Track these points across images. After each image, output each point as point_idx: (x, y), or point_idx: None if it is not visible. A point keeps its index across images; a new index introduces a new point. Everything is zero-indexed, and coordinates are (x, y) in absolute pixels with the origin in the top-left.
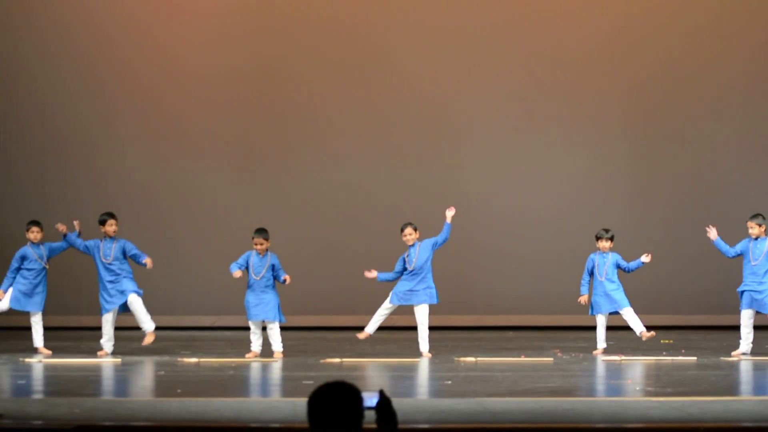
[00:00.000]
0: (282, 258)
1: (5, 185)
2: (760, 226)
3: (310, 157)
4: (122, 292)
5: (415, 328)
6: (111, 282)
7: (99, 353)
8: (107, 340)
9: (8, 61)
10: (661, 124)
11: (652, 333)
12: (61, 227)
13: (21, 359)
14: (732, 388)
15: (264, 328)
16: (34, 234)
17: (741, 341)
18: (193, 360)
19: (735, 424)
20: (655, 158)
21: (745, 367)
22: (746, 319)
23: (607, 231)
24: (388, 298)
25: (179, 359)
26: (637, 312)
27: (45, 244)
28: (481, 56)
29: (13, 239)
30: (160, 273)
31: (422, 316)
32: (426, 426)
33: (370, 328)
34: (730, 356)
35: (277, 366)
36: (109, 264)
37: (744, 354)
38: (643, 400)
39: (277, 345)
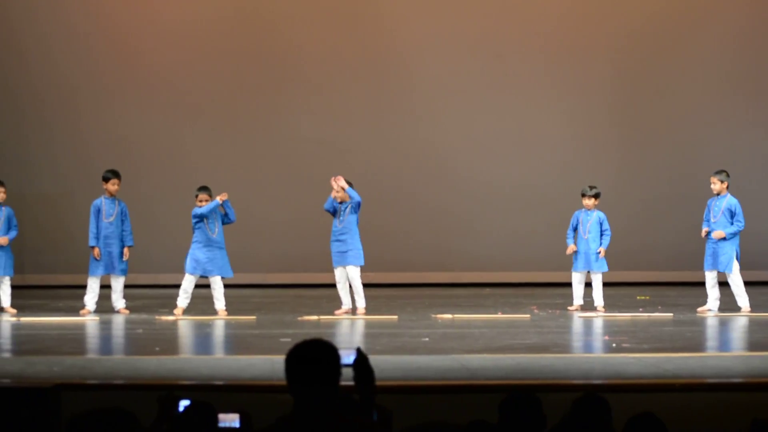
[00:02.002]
0: (260, 216)
1: None
2: (722, 182)
3: (287, 115)
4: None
5: (393, 285)
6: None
7: (82, 311)
8: (93, 298)
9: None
10: (641, 79)
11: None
12: None
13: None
14: (707, 344)
15: (207, 286)
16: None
17: (708, 299)
18: (170, 318)
19: (711, 380)
20: (635, 116)
21: (720, 323)
22: (710, 279)
23: (591, 188)
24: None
25: (157, 317)
26: (615, 268)
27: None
28: (457, 11)
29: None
30: (138, 230)
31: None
32: (403, 383)
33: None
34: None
35: (254, 323)
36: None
37: (710, 310)
38: (620, 356)
39: (221, 303)
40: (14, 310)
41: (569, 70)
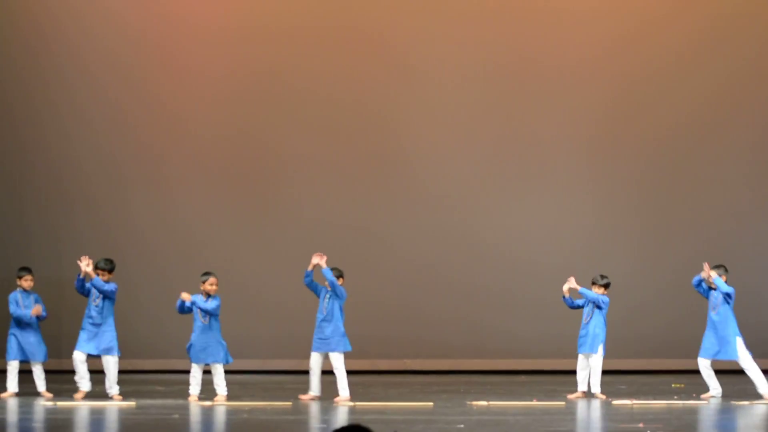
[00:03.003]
0: (290, 302)
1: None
2: (720, 276)
3: (321, 202)
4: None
5: (427, 373)
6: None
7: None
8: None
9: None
10: (670, 172)
11: (579, 395)
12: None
13: (38, 402)
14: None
15: (207, 371)
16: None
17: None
18: (207, 403)
19: None
20: (662, 205)
21: (755, 411)
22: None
23: (602, 277)
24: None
25: (193, 401)
26: (647, 356)
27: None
28: (492, 100)
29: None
30: (171, 316)
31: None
32: None
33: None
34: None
35: (290, 410)
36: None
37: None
38: None
39: (222, 388)
40: (50, 395)
41: (601, 159)
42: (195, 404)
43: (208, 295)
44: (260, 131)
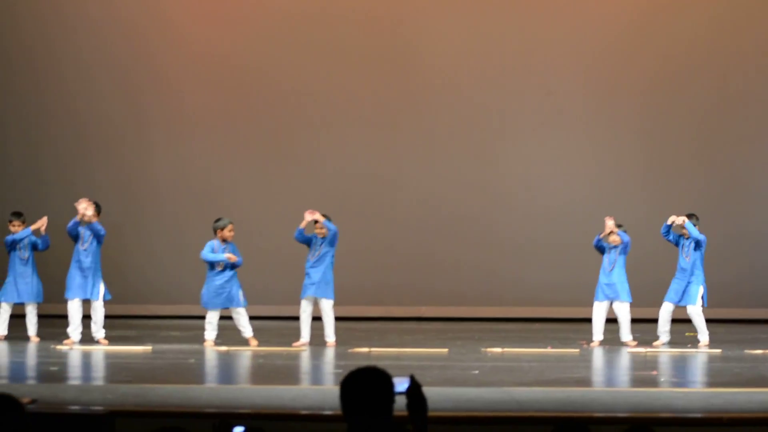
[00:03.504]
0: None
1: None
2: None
3: (339, 148)
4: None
5: (443, 319)
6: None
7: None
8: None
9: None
10: (687, 112)
11: (597, 344)
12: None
13: (53, 346)
14: (756, 380)
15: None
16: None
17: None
18: (223, 348)
19: (759, 414)
20: (672, 149)
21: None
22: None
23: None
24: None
25: (208, 347)
26: (659, 305)
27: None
28: (507, 49)
29: None
30: (189, 264)
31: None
32: (453, 414)
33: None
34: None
35: (305, 355)
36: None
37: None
38: (668, 390)
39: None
40: (37, 339)
41: (613, 104)
42: (211, 349)
43: (225, 241)
44: (277, 73)
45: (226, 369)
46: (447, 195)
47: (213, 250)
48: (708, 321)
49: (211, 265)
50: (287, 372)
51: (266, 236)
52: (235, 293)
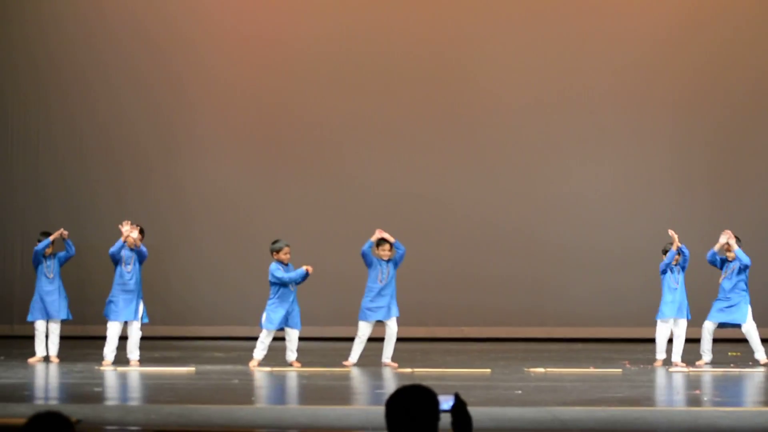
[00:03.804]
0: (340, 270)
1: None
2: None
3: (380, 164)
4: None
5: (484, 340)
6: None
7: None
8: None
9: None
10: (741, 135)
11: (660, 363)
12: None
13: (96, 367)
14: None
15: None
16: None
17: None
18: (267, 369)
19: None
20: (730, 165)
21: None
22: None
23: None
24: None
25: (253, 368)
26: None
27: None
28: (554, 70)
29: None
30: (234, 284)
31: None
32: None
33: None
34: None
35: (349, 376)
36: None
37: None
38: (712, 410)
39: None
40: (57, 360)
41: (663, 126)
42: (257, 369)
43: (280, 263)
44: (319, 91)
45: (270, 389)
46: (489, 213)
47: (280, 268)
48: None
49: (282, 285)
50: (332, 392)
51: (306, 257)
52: (297, 313)
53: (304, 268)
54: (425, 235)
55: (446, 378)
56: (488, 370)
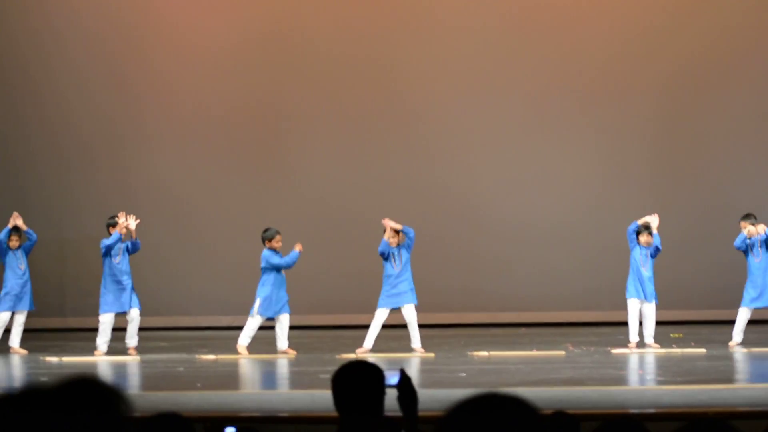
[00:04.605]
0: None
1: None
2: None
3: (318, 160)
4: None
5: (430, 326)
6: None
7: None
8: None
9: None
10: (675, 118)
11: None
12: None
13: (42, 358)
14: (741, 377)
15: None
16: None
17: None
18: (211, 357)
19: (745, 408)
20: (669, 154)
21: (753, 357)
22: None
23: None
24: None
25: (197, 356)
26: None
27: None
28: (487, 54)
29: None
30: (178, 275)
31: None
32: (441, 414)
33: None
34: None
35: (293, 362)
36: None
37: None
38: (654, 388)
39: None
40: (24, 351)
41: (600, 108)
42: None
43: (273, 250)
44: (263, 93)
45: (215, 376)
46: (428, 206)
47: (274, 254)
48: (696, 323)
49: (277, 269)
50: (277, 378)
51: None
52: (287, 300)
53: (296, 249)
54: (369, 221)
55: (391, 362)
56: (432, 354)
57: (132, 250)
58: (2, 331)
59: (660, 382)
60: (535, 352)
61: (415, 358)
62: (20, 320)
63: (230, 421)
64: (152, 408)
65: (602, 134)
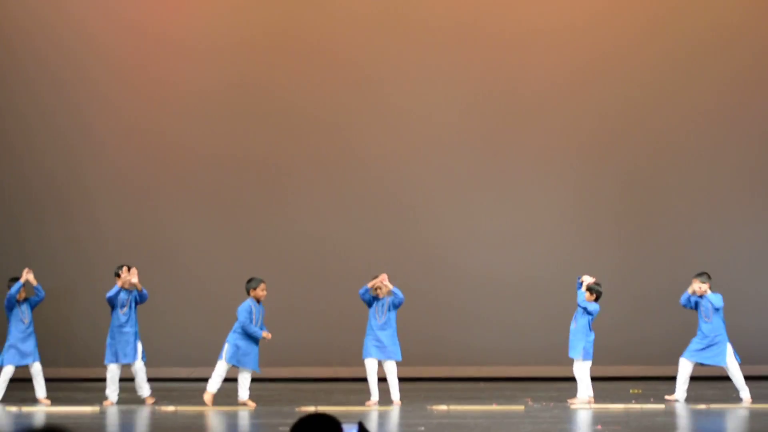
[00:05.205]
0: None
1: None
2: (704, 283)
3: (284, 210)
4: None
5: (385, 380)
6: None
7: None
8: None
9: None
10: (642, 178)
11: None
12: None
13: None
14: None
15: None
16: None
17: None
18: (171, 408)
19: None
20: (634, 213)
21: (714, 414)
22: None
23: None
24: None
25: (157, 408)
26: (608, 363)
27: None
28: (457, 109)
29: None
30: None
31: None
32: None
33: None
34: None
35: (252, 414)
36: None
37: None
38: None
39: (246, 393)
40: (48, 401)
41: (569, 167)
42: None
43: (258, 301)
44: (234, 132)
45: (174, 428)
46: (390, 258)
47: (250, 312)
48: (655, 379)
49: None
50: (238, 430)
51: (201, 298)
52: (257, 354)
53: (263, 334)
54: (324, 278)
55: (350, 416)
56: (390, 407)
57: (140, 301)
58: (6, 384)
59: None
60: (494, 407)
61: (375, 411)
62: (37, 371)
63: None
64: None
65: (569, 192)
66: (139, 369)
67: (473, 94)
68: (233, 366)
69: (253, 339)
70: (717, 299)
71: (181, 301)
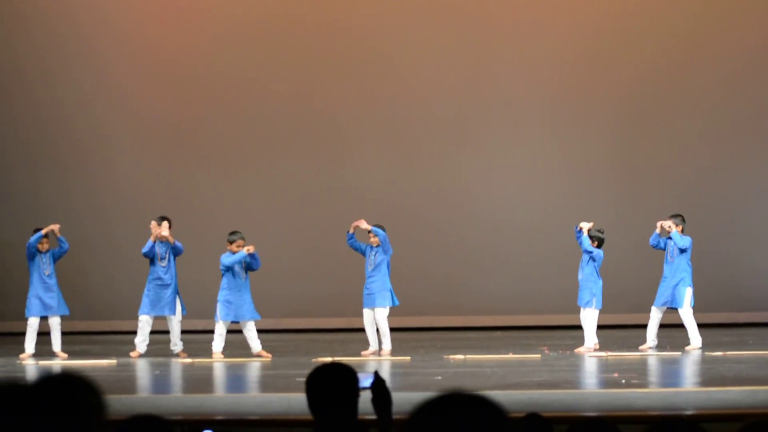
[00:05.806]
0: (270, 261)
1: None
2: (677, 226)
3: (298, 159)
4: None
5: (405, 329)
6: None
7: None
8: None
9: (6, 68)
10: (644, 122)
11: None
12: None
13: (17, 361)
14: (715, 380)
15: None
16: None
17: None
18: (188, 360)
19: (717, 411)
20: (639, 156)
21: (726, 360)
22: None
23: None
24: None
25: (176, 360)
26: (622, 311)
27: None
28: (461, 57)
29: (11, 244)
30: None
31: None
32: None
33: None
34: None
35: (269, 365)
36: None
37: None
38: (628, 391)
39: (257, 344)
40: (65, 355)
41: (573, 113)
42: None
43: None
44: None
45: (192, 380)
46: (407, 204)
47: (229, 256)
48: (670, 326)
49: (232, 273)
50: (254, 381)
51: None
52: (251, 303)
53: (244, 250)
54: (341, 226)
55: (366, 365)
56: (408, 357)
57: (176, 254)
58: (35, 335)
59: (634, 385)
60: (510, 356)
61: (389, 361)
62: (55, 324)
63: (207, 424)
64: (128, 411)
65: (574, 136)
66: (176, 324)
67: (479, 44)
68: (232, 322)
69: (240, 289)
70: (682, 240)
71: (198, 254)
